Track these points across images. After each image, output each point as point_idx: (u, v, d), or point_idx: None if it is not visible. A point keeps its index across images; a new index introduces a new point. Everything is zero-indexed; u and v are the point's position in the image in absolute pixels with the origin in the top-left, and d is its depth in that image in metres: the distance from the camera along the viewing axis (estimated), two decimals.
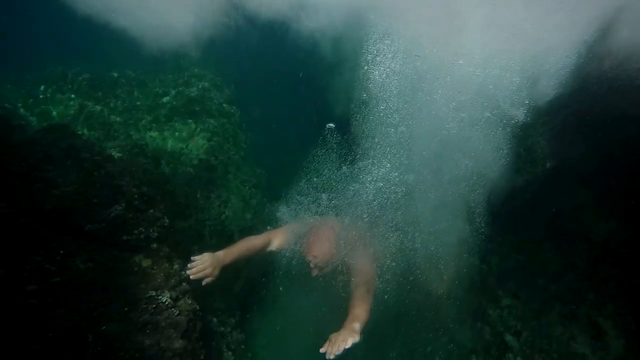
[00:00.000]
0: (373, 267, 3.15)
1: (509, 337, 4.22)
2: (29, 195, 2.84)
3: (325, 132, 3.29)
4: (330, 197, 3.34)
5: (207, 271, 2.62)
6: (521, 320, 4.33)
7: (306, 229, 3.19)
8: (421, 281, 3.95)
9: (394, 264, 3.44)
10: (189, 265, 2.64)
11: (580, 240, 4.24)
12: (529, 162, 4.45)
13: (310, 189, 3.38)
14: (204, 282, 2.62)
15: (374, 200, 3.25)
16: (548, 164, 4.68)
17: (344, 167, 3.32)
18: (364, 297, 2.81)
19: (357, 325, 2.52)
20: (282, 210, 3.45)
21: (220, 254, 2.79)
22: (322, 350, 2.34)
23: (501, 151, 3.70)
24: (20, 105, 5.47)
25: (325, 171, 3.32)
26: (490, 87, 3.42)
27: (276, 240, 3.22)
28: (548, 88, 3.54)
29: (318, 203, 3.33)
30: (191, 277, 2.59)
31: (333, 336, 2.43)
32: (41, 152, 3.08)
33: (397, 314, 4.80)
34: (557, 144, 4.35)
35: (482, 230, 3.99)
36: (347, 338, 2.36)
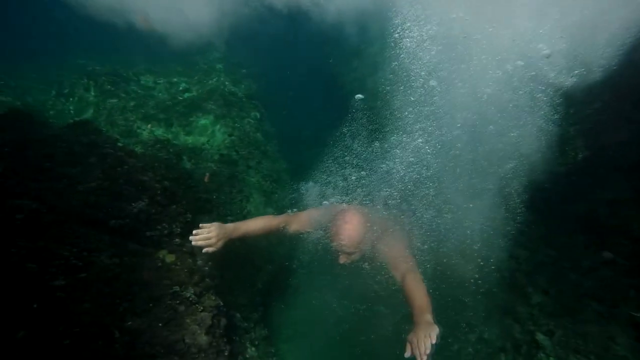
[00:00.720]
0: (409, 253, 2.93)
1: (540, 336, 4.05)
2: (55, 192, 2.86)
3: (354, 104, 3.15)
4: (360, 175, 3.16)
5: (211, 241, 2.56)
6: (553, 318, 4.14)
7: (330, 215, 2.99)
8: (449, 269, 3.79)
9: (425, 246, 3.23)
10: (194, 231, 2.57)
11: (617, 235, 4.01)
12: (563, 147, 4.23)
13: (338, 167, 3.21)
14: (203, 251, 2.55)
15: (405, 176, 3.06)
16: (582, 153, 4.46)
17: (376, 143, 3.14)
18: (416, 285, 2.57)
19: (428, 316, 2.31)
20: (308, 192, 3.26)
21: (230, 227, 2.70)
22: (407, 354, 2.14)
23: (543, 131, 3.46)
24: (44, 101, 5.58)
25: (355, 147, 3.14)
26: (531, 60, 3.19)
27: (294, 224, 3.03)
28: (592, 65, 3.29)
29: (345, 187, 3.15)
30: (193, 243, 2.53)
31: (412, 337, 2.20)
32: (65, 149, 3.11)
33: None
34: (596, 128, 4.11)
35: (517, 218, 3.76)
36: (429, 333, 2.13)
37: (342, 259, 2.84)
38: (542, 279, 4.53)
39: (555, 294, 4.22)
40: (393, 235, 3.03)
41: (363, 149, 3.17)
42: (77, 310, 2.12)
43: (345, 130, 3.20)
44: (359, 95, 3.16)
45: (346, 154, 3.19)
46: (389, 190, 3.07)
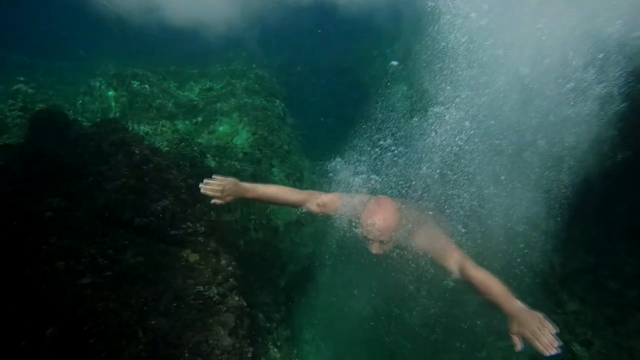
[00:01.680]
0: (453, 241, 2.66)
1: (576, 347, 3.83)
2: (83, 190, 2.90)
3: (390, 69, 2.99)
4: (397, 151, 2.96)
5: (219, 194, 2.46)
6: (591, 328, 3.91)
7: (359, 202, 2.76)
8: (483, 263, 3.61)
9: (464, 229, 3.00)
10: (205, 180, 2.48)
11: None
12: (602, 147, 3.97)
13: (370, 147, 3.03)
14: (211, 202, 2.46)
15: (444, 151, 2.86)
16: (622, 153, 4.18)
17: (415, 118, 2.94)
18: (482, 271, 2.32)
19: (519, 302, 2.05)
20: (337, 168, 3.04)
21: (246, 186, 2.60)
22: (519, 348, 1.93)
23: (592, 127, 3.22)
24: (74, 101, 5.72)
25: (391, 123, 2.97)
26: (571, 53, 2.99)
27: (316, 205, 2.79)
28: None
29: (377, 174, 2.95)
30: (202, 191, 2.44)
31: (521, 330, 1.93)
32: (94, 147, 3.14)
33: (447, 314, 4.53)
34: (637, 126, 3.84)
35: (552, 219, 3.51)
36: (540, 320, 1.88)
37: (374, 248, 2.56)
38: (579, 286, 4.29)
39: (594, 302, 3.98)
40: (431, 226, 2.77)
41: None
42: (103, 309, 2.11)
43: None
44: (394, 62, 3.01)
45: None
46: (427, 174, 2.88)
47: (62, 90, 6.06)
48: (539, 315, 1.93)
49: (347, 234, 2.88)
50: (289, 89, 7.27)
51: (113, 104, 5.55)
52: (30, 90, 5.79)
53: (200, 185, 2.45)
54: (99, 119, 4.19)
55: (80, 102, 5.80)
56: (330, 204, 2.79)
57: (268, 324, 4.00)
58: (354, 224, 2.70)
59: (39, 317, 2.01)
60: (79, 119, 5.31)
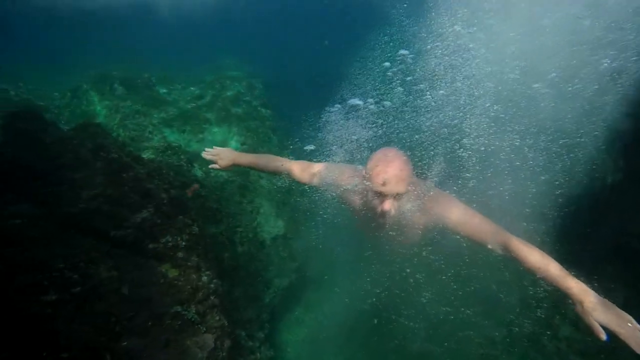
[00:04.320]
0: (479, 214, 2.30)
1: None
2: (56, 197, 2.70)
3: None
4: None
5: (216, 159, 2.76)
6: (583, 356, 3.81)
7: (352, 168, 2.54)
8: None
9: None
10: (207, 149, 2.82)
11: None
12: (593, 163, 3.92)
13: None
14: (210, 166, 2.78)
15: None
16: (612, 177, 4.16)
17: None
18: (534, 249, 1.99)
19: (588, 288, 1.80)
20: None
21: (239, 154, 2.86)
22: (604, 337, 1.65)
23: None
24: (58, 103, 5.52)
25: None
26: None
27: (305, 173, 2.64)
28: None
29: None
30: (203, 155, 2.78)
31: (609, 319, 1.67)
32: (71, 152, 2.96)
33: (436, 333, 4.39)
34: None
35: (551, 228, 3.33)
36: (625, 316, 1.65)
37: (387, 205, 2.17)
38: (571, 311, 4.19)
39: (586, 328, 3.88)
40: (444, 193, 2.44)
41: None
42: (66, 330, 1.91)
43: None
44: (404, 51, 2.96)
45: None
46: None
47: (43, 92, 5.85)
48: (628, 317, 1.67)
49: (340, 210, 2.82)
50: (280, 99, 7.18)
51: (97, 107, 5.36)
52: (11, 92, 5.58)
53: (203, 153, 2.79)
54: (80, 122, 4.01)
55: (62, 104, 5.59)
56: (324, 170, 2.61)
57: (250, 343, 3.81)
58: (356, 182, 2.43)
59: None
60: (62, 121, 5.11)
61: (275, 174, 2.80)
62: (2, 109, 4.42)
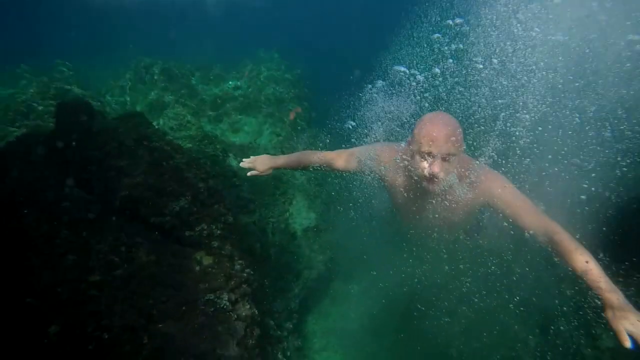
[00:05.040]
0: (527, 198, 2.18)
1: None
2: (102, 183, 2.85)
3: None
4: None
5: (257, 167, 2.72)
6: None
7: (391, 147, 2.46)
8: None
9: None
10: (244, 159, 2.78)
11: None
12: None
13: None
14: (248, 174, 2.74)
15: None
16: None
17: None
18: (578, 245, 1.87)
19: (622, 297, 1.70)
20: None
21: (274, 160, 2.82)
22: (628, 345, 1.59)
23: None
24: (104, 93, 5.78)
25: None
26: None
27: (340, 160, 2.63)
28: None
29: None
30: (241, 164, 2.76)
31: (619, 324, 1.62)
32: (116, 141, 3.10)
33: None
34: None
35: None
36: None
37: (436, 167, 2.03)
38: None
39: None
40: (504, 179, 2.27)
41: None
42: (108, 311, 2.03)
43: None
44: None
45: None
46: None
47: (93, 82, 6.15)
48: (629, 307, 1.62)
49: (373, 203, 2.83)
50: (317, 92, 7.16)
51: (141, 97, 5.58)
52: (66, 75, 5.87)
53: (241, 164, 2.78)
54: (124, 112, 4.19)
55: (109, 94, 5.86)
56: (363, 152, 2.57)
57: (279, 333, 3.87)
58: (398, 157, 2.33)
59: (44, 312, 1.94)
60: (107, 110, 5.36)
61: (312, 168, 2.78)
62: (57, 95, 4.73)
